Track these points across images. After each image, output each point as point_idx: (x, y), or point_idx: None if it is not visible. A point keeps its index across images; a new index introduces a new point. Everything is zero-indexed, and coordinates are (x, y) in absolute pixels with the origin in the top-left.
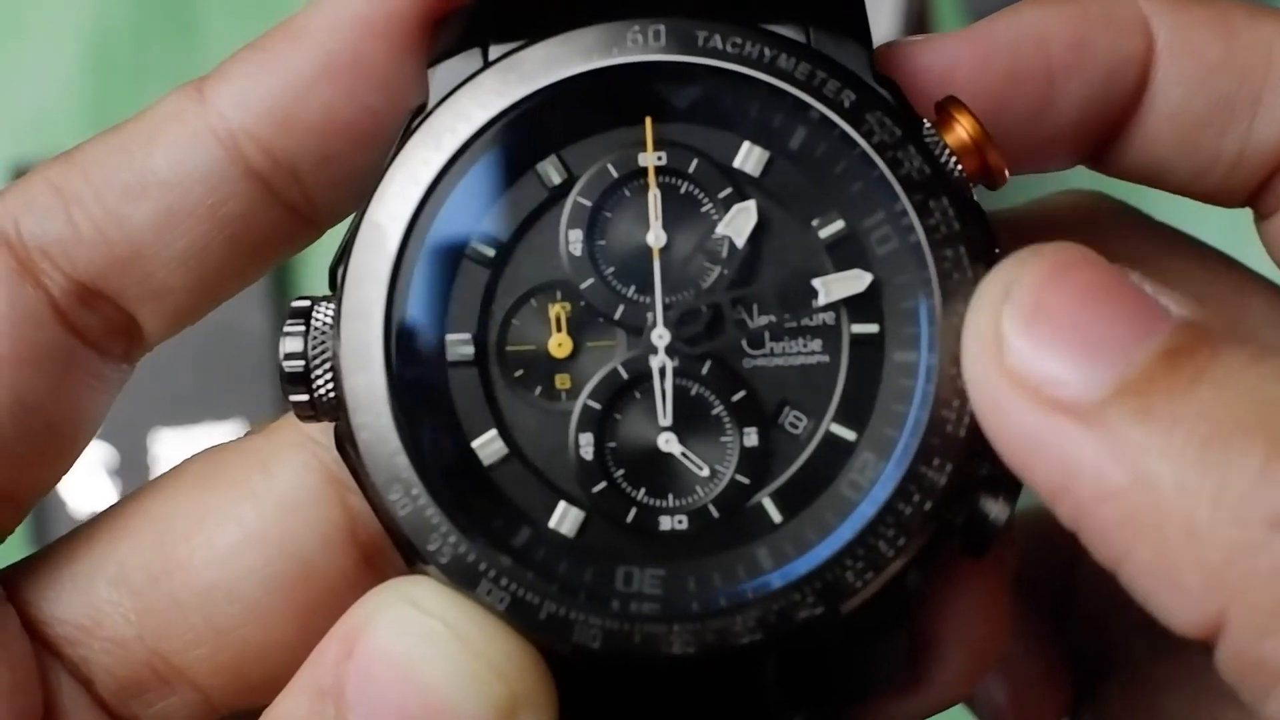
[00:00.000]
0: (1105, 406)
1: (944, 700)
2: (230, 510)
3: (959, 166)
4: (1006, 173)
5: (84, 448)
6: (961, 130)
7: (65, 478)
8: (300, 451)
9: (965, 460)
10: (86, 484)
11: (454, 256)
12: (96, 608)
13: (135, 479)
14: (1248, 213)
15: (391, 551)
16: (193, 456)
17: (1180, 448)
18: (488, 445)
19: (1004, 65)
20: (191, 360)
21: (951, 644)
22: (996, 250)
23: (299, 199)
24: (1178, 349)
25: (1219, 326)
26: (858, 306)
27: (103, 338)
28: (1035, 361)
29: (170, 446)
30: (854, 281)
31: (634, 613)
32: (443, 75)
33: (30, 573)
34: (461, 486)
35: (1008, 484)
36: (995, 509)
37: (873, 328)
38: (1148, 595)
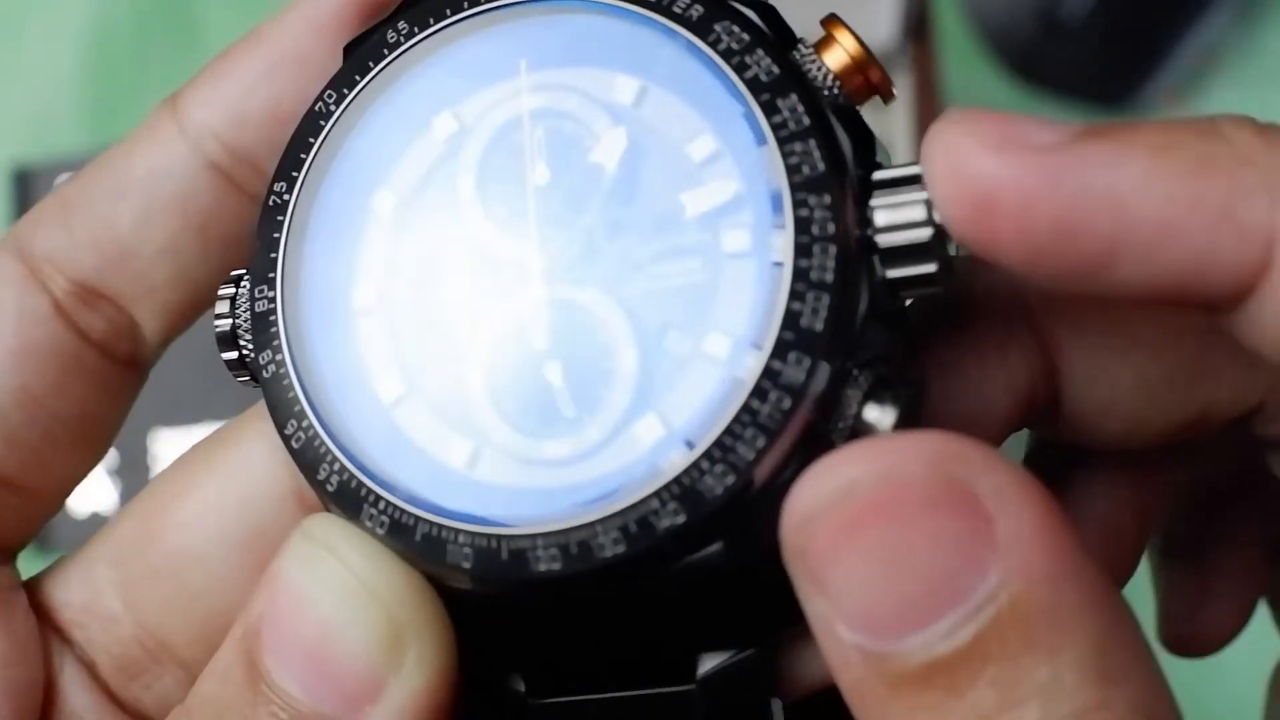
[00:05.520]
0: None
1: None
2: (197, 481)
3: (837, 83)
4: (894, 89)
5: (98, 451)
6: (841, 50)
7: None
8: (259, 422)
9: (834, 359)
10: (86, 484)
11: (351, 215)
12: (96, 587)
13: (135, 479)
14: None
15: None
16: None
17: None
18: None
19: (1054, 215)
20: (191, 360)
21: None
22: (878, 161)
23: (260, 189)
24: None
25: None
26: (729, 219)
27: (106, 337)
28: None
29: (170, 446)
30: (719, 194)
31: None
32: None
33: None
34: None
35: (897, 387)
36: (879, 416)
37: (744, 238)
38: None
